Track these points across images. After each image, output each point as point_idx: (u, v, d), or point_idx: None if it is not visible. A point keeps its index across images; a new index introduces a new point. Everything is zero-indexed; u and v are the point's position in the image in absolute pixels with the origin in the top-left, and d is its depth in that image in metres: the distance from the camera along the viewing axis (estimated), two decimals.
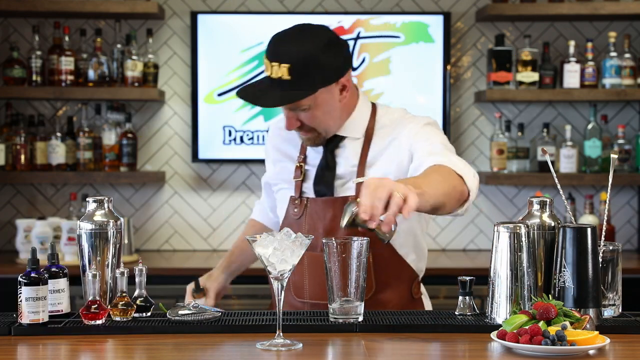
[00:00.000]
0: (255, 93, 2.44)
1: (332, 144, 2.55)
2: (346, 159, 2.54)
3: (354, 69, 4.49)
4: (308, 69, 2.39)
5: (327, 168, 2.54)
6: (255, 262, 2.71)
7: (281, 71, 2.37)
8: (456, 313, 2.20)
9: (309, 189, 2.57)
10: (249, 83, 2.53)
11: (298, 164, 2.59)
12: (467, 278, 2.21)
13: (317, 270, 2.42)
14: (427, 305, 2.64)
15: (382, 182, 1.99)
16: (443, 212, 2.24)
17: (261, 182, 2.82)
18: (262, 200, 2.84)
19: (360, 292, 2.11)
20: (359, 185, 2.42)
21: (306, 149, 2.60)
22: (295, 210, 2.56)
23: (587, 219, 4.42)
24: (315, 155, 2.59)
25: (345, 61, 2.48)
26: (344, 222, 2.01)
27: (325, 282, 2.12)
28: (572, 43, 4.44)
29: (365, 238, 2.11)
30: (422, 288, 2.64)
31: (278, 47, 2.41)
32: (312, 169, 2.58)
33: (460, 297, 2.21)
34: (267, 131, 2.91)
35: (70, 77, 4.36)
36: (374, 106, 2.60)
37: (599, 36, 4.59)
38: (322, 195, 2.54)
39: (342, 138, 2.55)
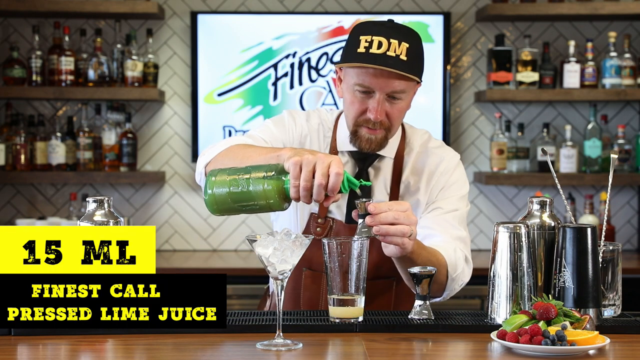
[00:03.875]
0: (377, 61, 2.29)
1: (367, 162, 2.46)
2: (379, 181, 2.47)
3: None
4: (419, 57, 2.35)
5: (362, 189, 2.48)
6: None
7: (400, 49, 2.29)
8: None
9: (334, 209, 2.46)
10: (345, 58, 2.37)
11: None
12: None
13: None
14: None
15: (410, 216, 2.09)
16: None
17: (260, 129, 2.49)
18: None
19: (360, 292, 2.10)
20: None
21: None
22: (318, 229, 2.45)
23: (587, 219, 4.42)
24: None
25: None
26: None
27: None
28: (572, 43, 4.44)
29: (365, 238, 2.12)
30: None
31: (391, 28, 2.32)
32: None
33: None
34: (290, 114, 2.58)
35: (70, 77, 4.36)
36: (402, 124, 2.53)
37: (599, 36, 4.59)
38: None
39: (377, 157, 2.46)
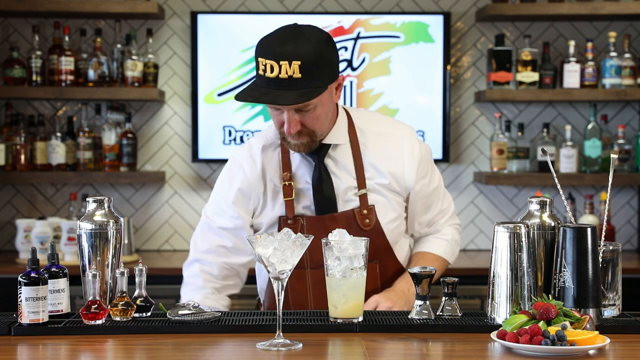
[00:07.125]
0: (267, 93, 2.32)
1: (320, 153, 2.48)
2: (341, 168, 2.50)
3: (354, 69, 4.49)
4: (318, 66, 2.33)
5: (322, 180, 2.47)
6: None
7: (292, 69, 2.29)
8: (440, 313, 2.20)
9: (301, 209, 2.50)
10: (247, 86, 2.40)
11: (286, 182, 2.49)
12: (452, 279, 2.20)
13: (322, 289, 2.28)
14: None
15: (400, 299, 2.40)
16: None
17: (213, 224, 2.57)
18: (217, 242, 2.58)
19: (360, 292, 2.11)
20: (362, 197, 2.45)
21: (290, 167, 2.51)
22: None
23: (587, 219, 4.42)
24: (302, 172, 2.51)
25: (338, 58, 2.46)
26: None
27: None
28: (572, 43, 4.44)
29: (365, 238, 2.12)
30: None
31: (281, 47, 2.31)
32: (301, 187, 2.50)
33: (445, 299, 2.21)
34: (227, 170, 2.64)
35: (70, 77, 4.36)
36: (345, 109, 2.58)
37: (599, 36, 4.59)
38: (324, 210, 2.47)
39: (329, 146, 2.49)
